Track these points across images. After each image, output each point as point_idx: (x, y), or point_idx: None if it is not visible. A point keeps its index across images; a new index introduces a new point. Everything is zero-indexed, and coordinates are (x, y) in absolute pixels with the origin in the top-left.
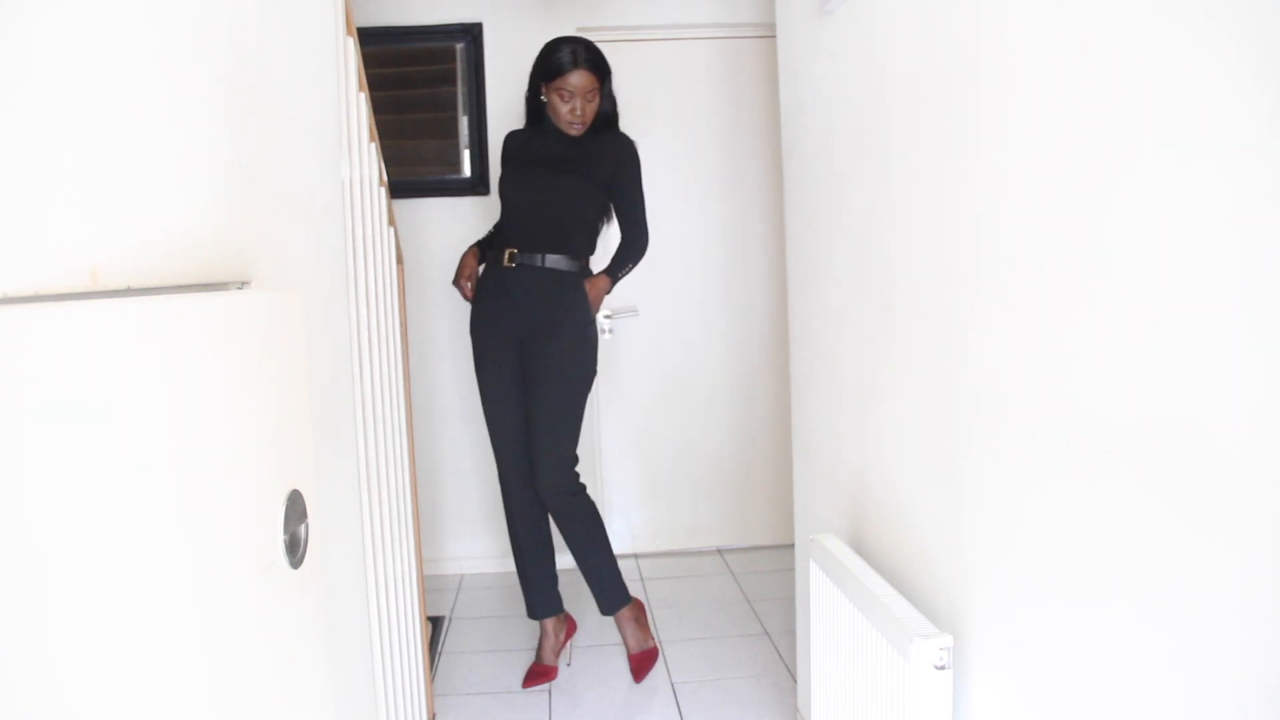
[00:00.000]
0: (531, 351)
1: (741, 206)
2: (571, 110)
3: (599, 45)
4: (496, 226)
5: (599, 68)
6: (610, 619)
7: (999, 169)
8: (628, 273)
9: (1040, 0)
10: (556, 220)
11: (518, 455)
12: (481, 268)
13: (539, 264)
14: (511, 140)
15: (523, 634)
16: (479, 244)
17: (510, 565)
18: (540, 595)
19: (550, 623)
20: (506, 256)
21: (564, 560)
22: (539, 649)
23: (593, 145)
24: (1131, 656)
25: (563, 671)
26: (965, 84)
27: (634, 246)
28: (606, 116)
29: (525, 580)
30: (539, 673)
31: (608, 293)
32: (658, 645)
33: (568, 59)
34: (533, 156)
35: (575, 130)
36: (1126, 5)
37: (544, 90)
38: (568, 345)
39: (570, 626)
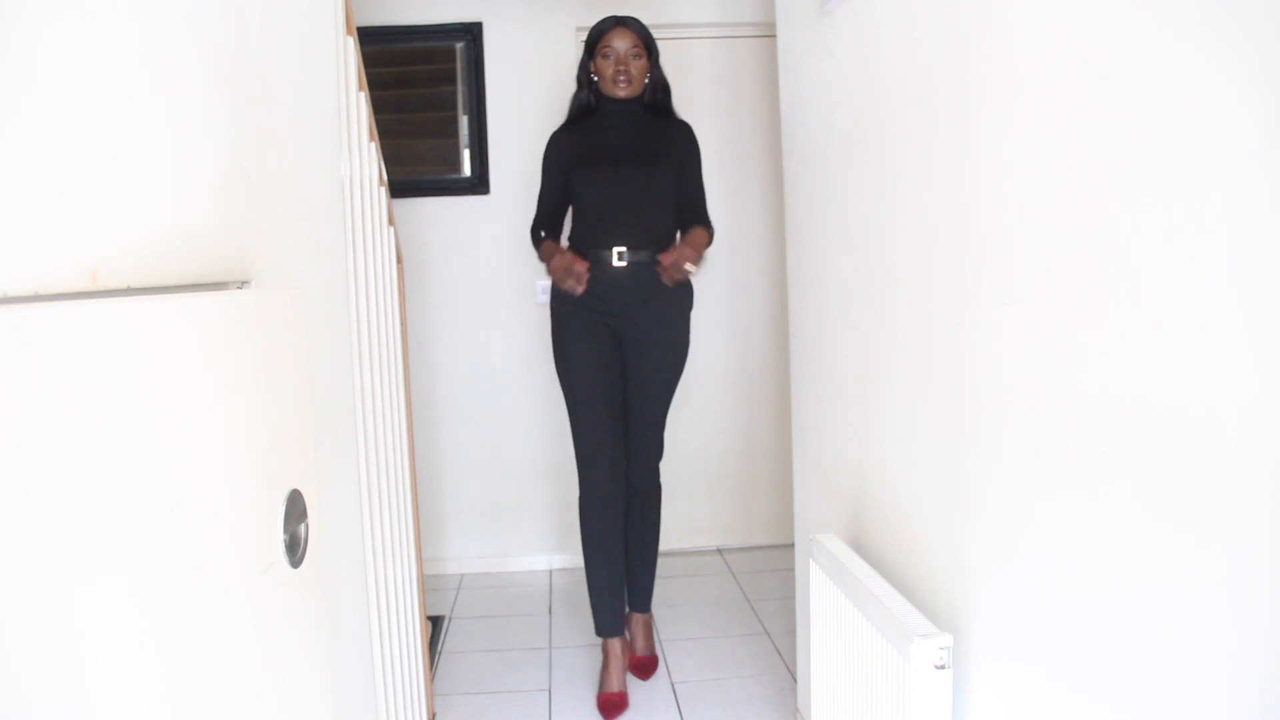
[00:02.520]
0: (643, 345)
1: (741, 206)
2: (616, 68)
3: None
4: (540, 228)
5: (642, 33)
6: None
7: (1000, 168)
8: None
9: (1043, 1)
10: (652, 214)
11: (614, 458)
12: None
13: (650, 260)
14: (564, 141)
15: (522, 633)
16: (550, 238)
17: (509, 565)
18: (613, 610)
19: (617, 643)
20: (615, 255)
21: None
22: (608, 675)
23: (657, 130)
24: (1130, 659)
25: (562, 671)
26: (966, 83)
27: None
28: (661, 102)
29: (599, 593)
30: (620, 702)
31: (710, 244)
32: (659, 656)
33: (610, 22)
34: (607, 151)
35: (622, 88)
36: (1129, 6)
37: (592, 67)
38: (680, 337)
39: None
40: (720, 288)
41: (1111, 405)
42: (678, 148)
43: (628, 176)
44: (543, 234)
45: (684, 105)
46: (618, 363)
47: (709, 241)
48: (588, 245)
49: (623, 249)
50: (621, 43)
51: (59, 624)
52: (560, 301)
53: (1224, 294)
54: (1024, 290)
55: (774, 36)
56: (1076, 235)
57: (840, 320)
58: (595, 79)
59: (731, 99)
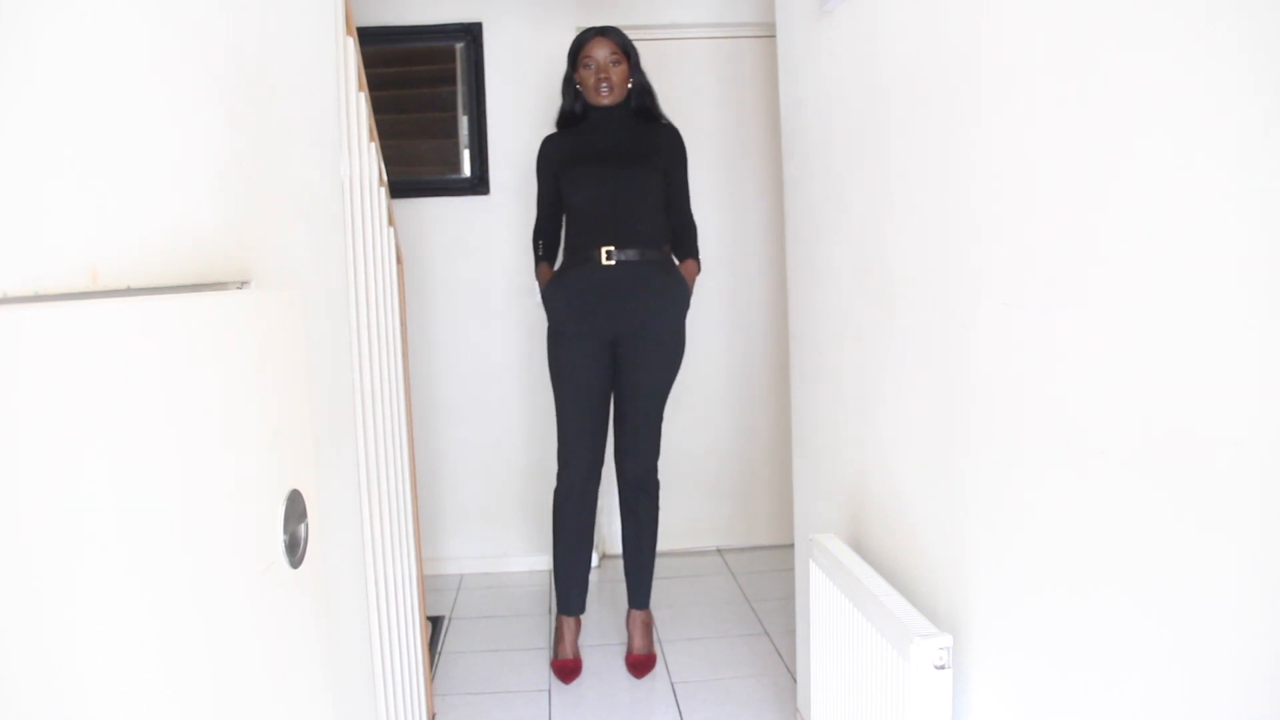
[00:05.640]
0: (635, 344)
1: (741, 206)
2: (598, 76)
3: None
4: (542, 232)
5: (620, 40)
6: (609, 620)
7: (999, 169)
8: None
9: (1040, 1)
10: (639, 213)
11: (592, 456)
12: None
13: (639, 259)
14: (553, 145)
15: (522, 634)
16: (543, 258)
17: (508, 566)
18: (578, 592)
19: (573, 620)
20: (604, 255)
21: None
22: (561, 644)
23: (645, 133)
24: (1130, 656)
25: None
26: (965, 84)
27: (690, 232)
28: (647, 107)
29: (567, 576)
30: (574, 668)
31: (699, 273)
32: (657, 655)
33: (589, 32)
34: (592, 153)
35: (604, 96)
36: (1126, 6)
37: (576, 78)
38: (673, 335)
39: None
40: (720, 288)
41: (1110, 404)
42: (663, 149)
43: (612, 176)
44: (541, 246)
45: (685, 105)
46: (607, 364)
47: (698, 270)
48: (579, 246)
49: (611, 248)
50: (600, 51)
51: (58, 624)
52: (554, 301)
53: (1227, 293)
54: (1023, 290)
55: (774, 36)
56: (1077, 234)
57: (840, 320)
58: (579, 88)
59: (731, 99)
